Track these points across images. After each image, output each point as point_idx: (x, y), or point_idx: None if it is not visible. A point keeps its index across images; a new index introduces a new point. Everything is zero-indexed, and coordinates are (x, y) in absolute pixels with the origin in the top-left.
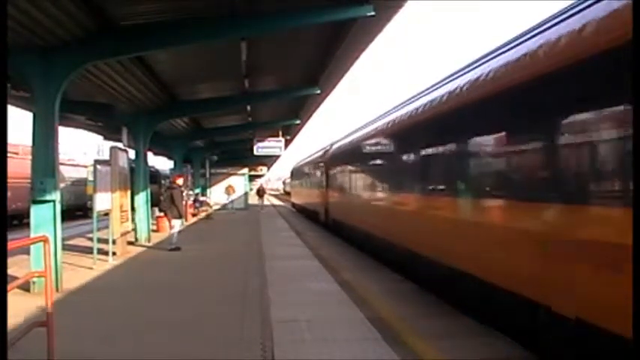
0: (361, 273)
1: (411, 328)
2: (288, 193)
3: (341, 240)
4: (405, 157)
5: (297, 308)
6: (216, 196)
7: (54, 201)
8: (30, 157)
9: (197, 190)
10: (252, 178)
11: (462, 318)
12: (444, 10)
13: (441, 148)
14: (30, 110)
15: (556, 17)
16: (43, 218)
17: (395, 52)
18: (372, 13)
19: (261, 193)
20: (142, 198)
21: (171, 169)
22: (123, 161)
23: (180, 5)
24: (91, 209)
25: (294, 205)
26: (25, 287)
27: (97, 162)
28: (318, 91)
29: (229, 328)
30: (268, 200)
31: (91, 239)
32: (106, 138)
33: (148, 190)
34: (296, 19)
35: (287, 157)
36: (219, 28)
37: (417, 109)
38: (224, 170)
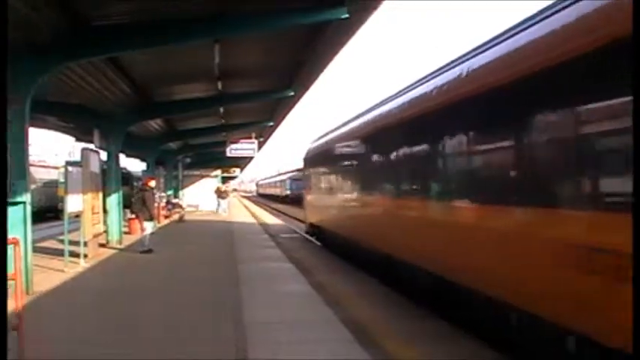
0: (335, 275)
1: (384, 330)
2: (261, 195)
3: (314, 243)
4: None
5: (271, 310)
6: (189, 198)
7: (24, 202)
8: None
9: (169, 192)
10: (225, 179)
11: (435, 320)
12: (424, 9)
13: None
14: None
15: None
16: (14, 220)
17: (374, 52)
18: (346, 16)
19: (222, 194)
20: (113, 200)
21: (143, 171)
22: (94, 163)
23: (153, 7)
24: (62, 211)
25: (313, 228)
26: None
27: (68, 163)
28: (292, 94)
29: (202, 331)
30: (243, 206)
31: (62, 241)
32: (78, 139)
33: (120, 192)
34: (269, 21)
35: (261, 159)
36: (193, 30)
37: None
38: (197, 172)
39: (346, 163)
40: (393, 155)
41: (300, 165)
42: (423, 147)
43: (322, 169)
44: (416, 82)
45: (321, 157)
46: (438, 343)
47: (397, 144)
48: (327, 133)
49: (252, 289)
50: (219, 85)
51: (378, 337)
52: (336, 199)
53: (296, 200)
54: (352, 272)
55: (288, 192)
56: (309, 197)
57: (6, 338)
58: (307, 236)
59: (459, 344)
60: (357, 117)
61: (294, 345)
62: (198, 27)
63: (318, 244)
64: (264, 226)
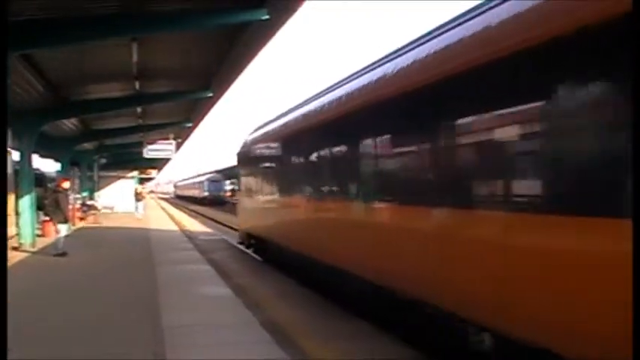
0: (254, 277)
1: (304, 331)
2: (179, 197)
3: (232, 244)
4: None
5: (189, 313)
6: (105, 200)
7: None
8: None
9: (84, 194)
10: (142, 181)
11: (355, 321)
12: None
13: None
14: None
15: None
16: None
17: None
18: (267, 17)
19: (138, 196)
20: (26, 202)
21: (57, 172)
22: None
23: (68, 3)
24: None
25: (251, 238)
26: None
27: None
28: (211, 94)
29: (119, 335)
30: (160, 208)
31: None
32: None
33: (33, 194)
34: (187, 21)
35: (179, 160)
36: (109, 28)
37: None
38: (113, 173)
39: (301, 156)
40: (348, 150)
41: (218, 166)
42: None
43: (265, 165)
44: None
45: (264, 151)
46: (357, 342)
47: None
48: (271, 121)
49: (170, 292)
50: (137, 85)
51: (297, 338)
52: (286, 201)
53: (214, 202)
54: (271, 274)
55: (206, 194)
56: (244, 200)
57: (6, 338)
58: (244, 249)
59: (380, 343)
60: (306, 102)
61: (212, 347)
62: (115, 24)
63: (258, 258)
64: (182, 228)
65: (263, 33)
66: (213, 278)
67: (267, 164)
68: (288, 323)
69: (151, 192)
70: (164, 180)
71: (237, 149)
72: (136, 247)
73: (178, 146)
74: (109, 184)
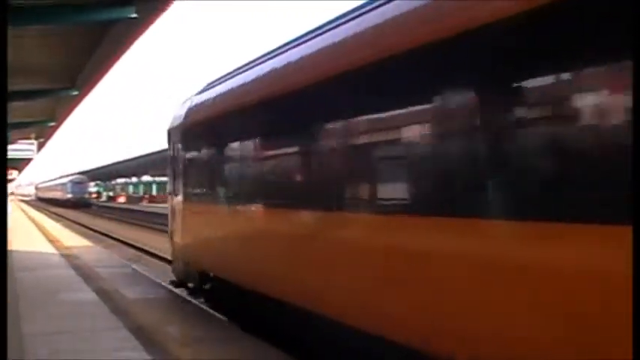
0: (121, 282)
1: (171, 335)
2: (41, 199)
3: (99, 249)
4: None
5: (52, 321)
6: None
7: None
8: None
9: None
10: None
11: (225, 325)
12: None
13: None
14: None
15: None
16: None
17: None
18: (134, 15)
19: None
20: None
21: None
22: None
23: None
24: None
25: (202, 277)
26: None
27: None
28: (76, 93)
29: None
30: (20, 209)
31: None
32: None
33: None
34: (50, 16)
35: (41, 161)
36: None
37: None
38: None
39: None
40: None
41: (83, 167)
42: None
43: (239, 144)
44: None
45: (228, 120)
46: (225, 345)
47: None
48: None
49: (32, 298)
50: None
51: (165, 343)
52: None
53: (77, 204)
54: (141, 278)
55: (70, 196)
56: (187, 206)
57: (6, 338)
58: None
59: (249, 346)
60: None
61: (76, 354)
62: None
63: (219, 316)
64: (43, 230)
65: (131, 31)
66: (78, 283)
67: (245, 141)
68: (154, 327)
69: (11, 194)
70: (25, 181)
71: (174, 121)
72: None
73: (40, 146)
74: None
